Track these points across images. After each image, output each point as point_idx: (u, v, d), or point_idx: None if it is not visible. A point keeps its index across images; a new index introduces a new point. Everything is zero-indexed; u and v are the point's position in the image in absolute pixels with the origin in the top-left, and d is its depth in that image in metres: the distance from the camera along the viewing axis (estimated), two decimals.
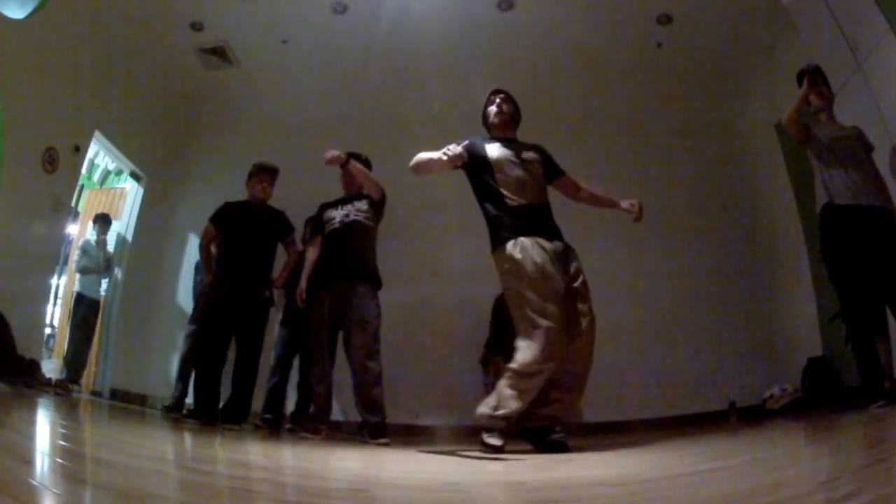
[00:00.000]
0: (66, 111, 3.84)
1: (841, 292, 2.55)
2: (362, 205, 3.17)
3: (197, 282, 4.11)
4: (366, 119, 4.60)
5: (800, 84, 2.82)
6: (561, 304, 2.17)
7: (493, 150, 2.40)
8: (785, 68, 3.97)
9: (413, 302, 4.23)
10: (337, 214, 3.17)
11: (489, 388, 3.62)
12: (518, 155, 2.39)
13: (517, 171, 2.35)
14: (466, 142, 2.41)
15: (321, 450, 2.26)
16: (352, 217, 3.14)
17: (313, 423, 3.03)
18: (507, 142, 2.45)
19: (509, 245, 2.22)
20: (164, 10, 4.10)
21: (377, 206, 3.21)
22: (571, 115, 4.63)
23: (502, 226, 2.28)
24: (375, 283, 3.08)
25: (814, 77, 2.68)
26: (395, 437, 3.08)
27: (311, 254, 3.20)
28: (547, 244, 2.24)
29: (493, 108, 2.49)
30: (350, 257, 3.08)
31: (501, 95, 2.51)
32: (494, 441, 2.06)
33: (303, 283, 3.13)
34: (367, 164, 3.32)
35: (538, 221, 2.31)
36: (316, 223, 3.27)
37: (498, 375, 3.42)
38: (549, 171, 2.51)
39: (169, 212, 4.85)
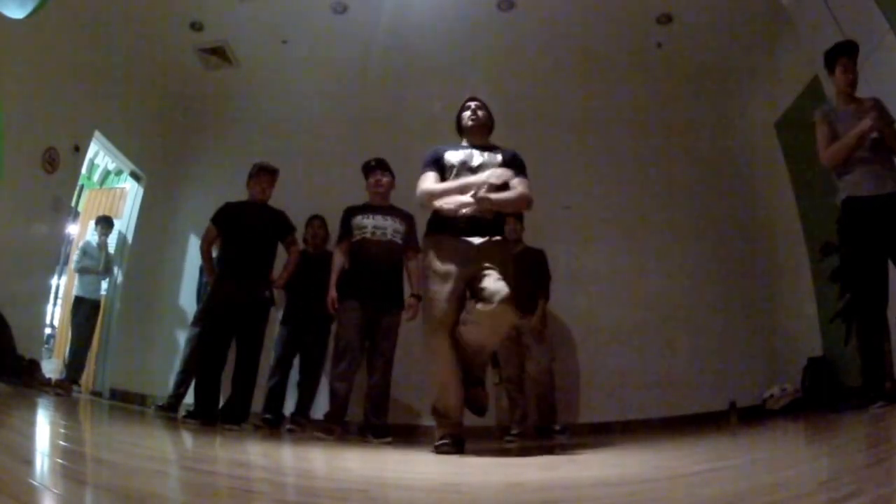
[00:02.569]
0: (65, 111, 3.84)
1: (853, 287, 2.49)
2: (398, 225, 3.21)
3: (202, 283, 4.11)
4: (366, 119, 4.60)
5: (829, 65, 2.61)
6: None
7: (454, 156, 2.41)
8: (785, 68, 3.98)
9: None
10: (369, 223, 3.19)
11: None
12: (476, 160, 2.38)
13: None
14: (431, 158, 2.43)
15: (322, 450, 2.26)
16: (389, 236, 3.17)
17: (328, 424, 3.03)
18: (473, 147, 2.46)
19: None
20: (163, 10, 4.10)
21: (412, 227, 3.23)
22: (571, 114, 4.64)
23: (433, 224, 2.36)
24: (400, 301, 3.18)
25: (881, 112, 2.45)
26: (397, 437, 3.09)
27: (339, 259, 3.21)
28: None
29: (467, 114, 2.52)
30: (384, 278, 3.13)
31: (476, 102, 2.56)
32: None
33: (332, 292, 3.12)
34: (383, 165, 3.34)
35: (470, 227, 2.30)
36: (344, 228, 3.28)
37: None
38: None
39: (169, 212, 4.85)
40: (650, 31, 4.25)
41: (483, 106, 2.55)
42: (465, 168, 2.37)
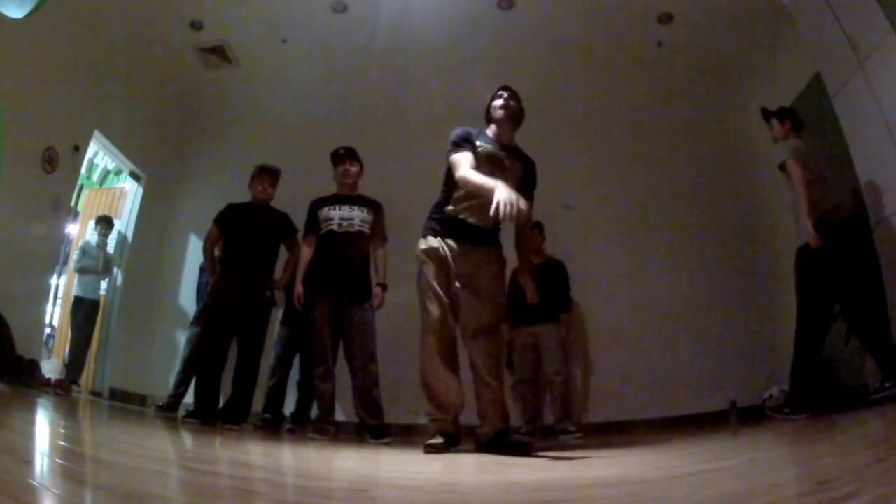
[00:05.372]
0: (65, 111, 3.84)
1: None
2: (365, 214, 3.17)
3: (202, 283, 4.11)
4: (366, 118, 4.60)
5: (766, 118, 3.13)
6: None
7: (485, 147, 2.29)
8: (786, 67, 3.98)
9: (413, 302, 4.26)
10: (335, 215, 3.15)
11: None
12: (501, 166, 2.28)
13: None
14: (462, 137, 2.29)
15: (321, 450, 2.26)
16: (356, 227, 3.12)
17: (321, 424, 3.03)
18: (501, 146, 2.33)
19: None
20: (163, 10, 4.10)
21: (381, 216, 3.23)
22: (572, 114, 4.63)
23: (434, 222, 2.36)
24: (370, 293, 3.12)
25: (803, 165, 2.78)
26: (396, 436, 3.08)
27: (306, 253, 3.18)
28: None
29: (498, 102, 2.39)
30: (352, 271, 3.09)
31: (509, 91, 2.41)
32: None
33: (299, 288, 3.11)
34: (352, 154, 3.32)
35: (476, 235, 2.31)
36: (311, 221, 3.24)
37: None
38: (523, 190, 2.34)
39: (169, 211, 4.85)
40: (651, 30, 4.24)
41: (516, 96, 2.42)
42: (494, 166, 2.25)
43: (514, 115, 2.39)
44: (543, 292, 3.63)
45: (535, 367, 3.73)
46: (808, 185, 2.70)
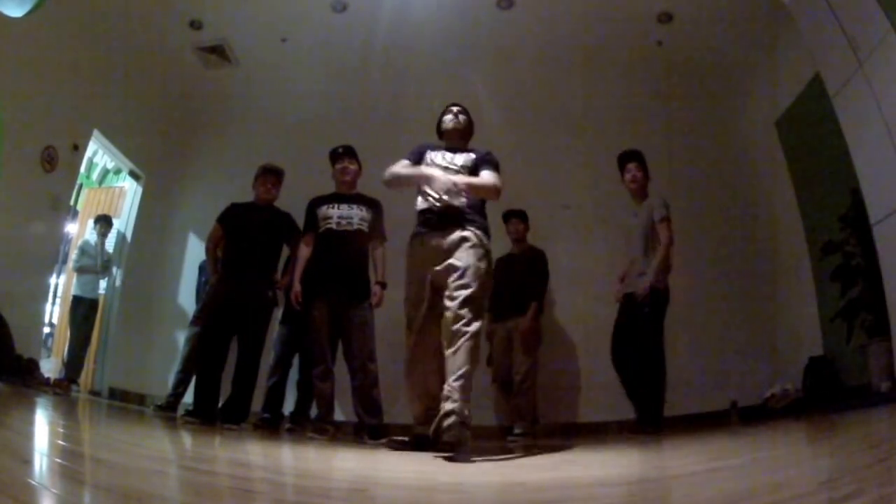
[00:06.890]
0: (64, 110, 3.83)
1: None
2: (364, 213, 3.16)
3: (201, 282, 4.10)
4: (365, 117, 4.59)
5: (628, 161, 3.42)
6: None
7: (436, 155, 2.49)
8: (786, 67, 3.98)
9: None
10: (334, 214, 3.15)
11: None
12: (451, 161, 2.46)
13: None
14: (414, 150, 2.54)
15: (320, 450, 2.26)
16: (355, 225, 3.12)
17: (320, 424, 3.03)
18: (451, 149, 2.52)
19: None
20: (163, 9, 4.09)
21: (379, 215, 3.21)
22: (571, 113, 4.63)
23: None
24: (369, 292, 3.12)
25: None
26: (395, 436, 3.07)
27: (304, 251, 3.18)
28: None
29: (448, 117, 2.61)
30: (351, 270, 3.09)
31: (458, 107, 2.64)
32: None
33: (296, 286, 3.10)
34: (350, 152, 3.31)
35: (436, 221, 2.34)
36: (309, 219, 3.24)
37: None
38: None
39: (168, 210, 4.85)
40: (651, 29, 4.24)
41: (465, 111, 2.63)
42: (444, 168, 2.42)
43: (464, 130, 2.60)
44: (519, 283, 3.61)
45: (510, 367, 3.58)
46: (670, 247, 3.15)
